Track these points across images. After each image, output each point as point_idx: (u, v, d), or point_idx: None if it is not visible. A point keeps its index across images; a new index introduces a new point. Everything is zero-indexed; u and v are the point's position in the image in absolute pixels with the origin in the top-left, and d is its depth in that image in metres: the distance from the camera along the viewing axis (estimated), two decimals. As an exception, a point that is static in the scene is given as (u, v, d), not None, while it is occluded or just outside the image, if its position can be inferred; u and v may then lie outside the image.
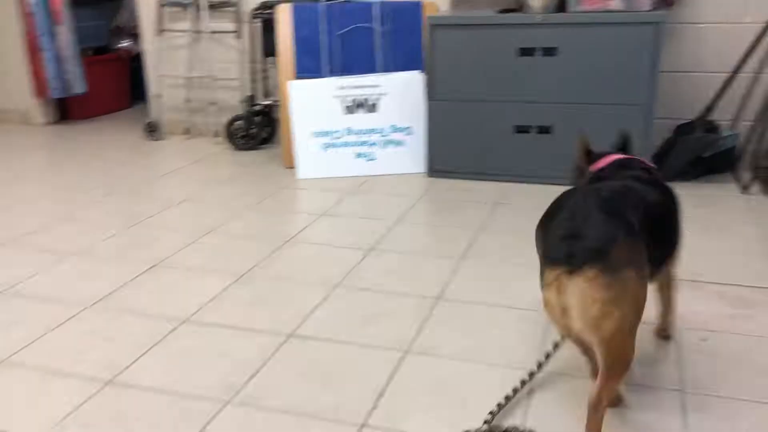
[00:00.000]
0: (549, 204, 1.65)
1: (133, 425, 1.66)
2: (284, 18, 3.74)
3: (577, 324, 1.42)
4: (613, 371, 1.43)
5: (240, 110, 4.24)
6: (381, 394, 1.75)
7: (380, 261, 2.57)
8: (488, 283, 2.36)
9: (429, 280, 2.40)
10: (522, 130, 3.38)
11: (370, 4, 3.72)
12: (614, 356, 1.42)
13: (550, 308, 1.47)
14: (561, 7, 3.27)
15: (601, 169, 1.79)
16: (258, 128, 4.19)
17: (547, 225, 1.57)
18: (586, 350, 1.68)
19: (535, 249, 1.63)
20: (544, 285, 1.47)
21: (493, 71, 3.34)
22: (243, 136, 4.19)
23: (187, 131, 4.49)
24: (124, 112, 5.43)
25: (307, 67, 3.75)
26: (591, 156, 1.86)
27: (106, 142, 4.48)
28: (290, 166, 3.79)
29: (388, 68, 3.73)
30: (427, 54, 3.41)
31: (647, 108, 3.17)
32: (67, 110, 5.15)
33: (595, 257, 1.38)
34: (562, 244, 1.44)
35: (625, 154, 1.86)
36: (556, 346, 1.90)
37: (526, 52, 3.27)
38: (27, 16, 4.60)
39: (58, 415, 1.70)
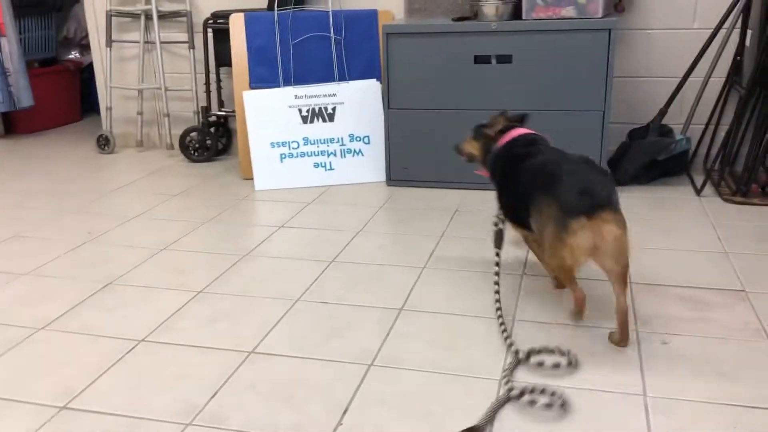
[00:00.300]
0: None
1: (88, 453, 1.60)
2: (237, 28, 3.69)
3: (608, 256, 1.85)
4: (625, 281, 1.91)
5: (194, 121, 4.16)
6: (345, 410, 1.71)
7: (341, 273, 2.54)
8: (451, 292, 2.35)
9: (391, 291, 2.38)
10: (480, 137, 3.39)
11: (325, 13, 3.70)
12: (626, 272, 1.91)
13: (576, 250, 1.84)
14: (516, 15, 3.30)
15: (513, 143, 2.22)
16: (213, 139, 4.12)
17: (551, 188, 1.91)
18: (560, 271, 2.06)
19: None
20: (569, 232, 1.83)
21: (449, 79, 3.35)
22: (198, 148, 4.11)
23: (140, 143, 4.39)
24: (75, 125, 5.29)
25: (262, 77, 3.71)
26: (502, 131, 2.29)
27: (56, 157, 4.35)
28: (247, 177, 3.73)
29: (344, 77, 3.71)
30: (384, 62, 3.40)
31: (602, 113, 3.22)
32: (12, 124, 4.99)
33: (616, 205, 1.86)
34: (585, 198, 1.83)
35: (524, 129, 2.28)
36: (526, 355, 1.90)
37: (481, 59, 3.29)
38: (-31, 28, 4.45)
39: (9, 445, 1.63)
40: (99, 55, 4.36)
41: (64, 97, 5.28)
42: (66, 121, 5.29)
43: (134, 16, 4.19)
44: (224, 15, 3.80)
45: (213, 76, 4.06)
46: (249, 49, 3.69)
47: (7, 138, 4.88)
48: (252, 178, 3.65)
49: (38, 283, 2.51)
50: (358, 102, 3.69)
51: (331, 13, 3.68)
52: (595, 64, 3.17)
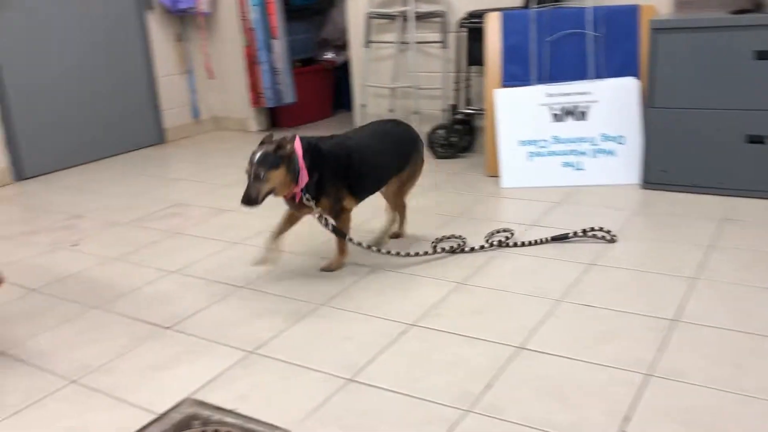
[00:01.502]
0: None
1: (378, 424, 1.72)
2: (493, 26, 3.74)
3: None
4: None
5: (441, 119, 4.30)
6: (627, 419, 1.67)
7: (602, 276, 2.48)
8: (731, 307, 2.19)
9: (660, 299, 2.27)
10: (756, 140, 3.10)
11: (582, 10, 3.61)
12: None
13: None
14: (807, 5, 2.97)
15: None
16: (458, 137, 4.22)
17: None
18: None
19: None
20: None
21: (723, 77, 3.11)
22: (443, 145, 4.24)
23: (388, 139, 4.63)
24: (327, 121, 5.72)
25: (515, 75, 3.72)
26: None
27: (314, 149, 4.73)
28: (493, 174, 3.77)
29: (600, 75, 3.60)
30: (648, 60, 3.25)
31: None
32: (276, 118, 5.52)
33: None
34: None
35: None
36: None
37: (764, 55, 3.01)
38: (248, 32, 5.00)
39: (309, 406, 1.80)
40: (356, 55, 4.67)
41: (320, 94, 5.73)
42: (320, 117, 5.74)
43: (392, 17, 4.42)
44: (480, 14, 3.87)
45: (463, 75, 4.15)
46: (503, 47, 3.72)
47: (271, 131, 5.40)
48: (497, 176, 3.69)
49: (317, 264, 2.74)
50: (613, 101, 3.56)
51: (589, 9, 3.59)
52: None
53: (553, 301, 2.30)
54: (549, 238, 2.82)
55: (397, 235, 2.97)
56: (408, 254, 2.72)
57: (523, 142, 3.65)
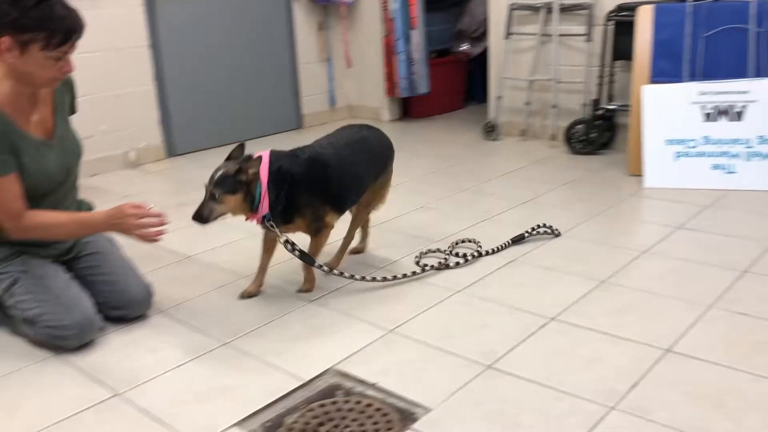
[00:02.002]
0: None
1: (518, 412, 1.72)
2: (645, 19, 3.59)
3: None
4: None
5: (581, 114, 4.19)
6: (791, 433, 1.57)
7: (758, 285, 2.33)
8: None
9: (826, 313, 2.11)
10: None
11: (746, 4, 3.40)
12: None
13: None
14: None
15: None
16: (598, 133, 4.10)
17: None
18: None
19: None
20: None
21: None
22: (581, 140, 4.13)
23: (522, 133, 4.57)
24: (458, 113, 5.71)
25: (665, 71, 3.56)
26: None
27: (445, 140, 4.75)
28: (635, 173, 3.63)
29: (761, 73, 3.38)
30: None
31: None
32: (408, 108, 5.58)
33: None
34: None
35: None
36: None
37: None
38: (388, 22, 5.08)
39: (449, 388, 1.83)
40: (495, 47, 4.64)
41: (453, 85, 5.73)
42: (451, 108, 5.74)
43: (535, 9, 4.35)
44: (630, 7, 3.73)
45: (607, 70, 4.03)
46: (654, 41, 3.57)
47: (403, 121, 5.48)
48: (640, 175, 3.55)
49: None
50: (775, 101, 3.33)
51: (753, 3, 3.37)
52: None
53: (703, 306, 2.20)
54: (509, 242, 2.77)
55: (358, 251, 2.78)
56: (374, 278, 2.47)
57: (670, 141, 3.49)
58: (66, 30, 1.94)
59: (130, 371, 1.98)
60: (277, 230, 2.27)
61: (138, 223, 2.06)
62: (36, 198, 2.08)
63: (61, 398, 1.86)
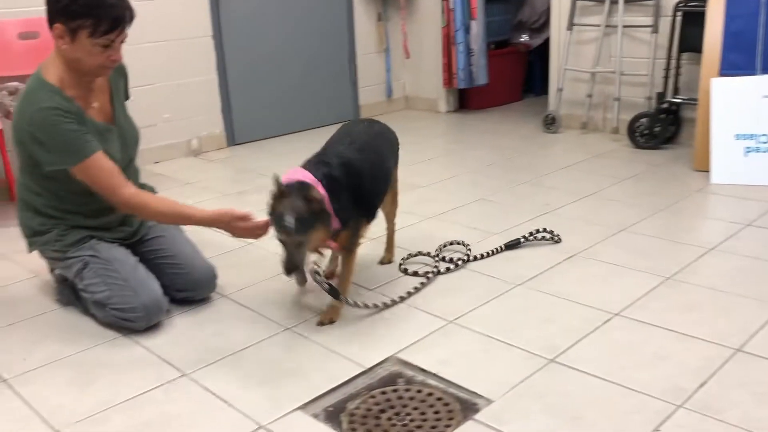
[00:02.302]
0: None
1: (582, 407, 1.70)
2: (716, 10, 3.48)
3: None
4: None
5: (645, 107, 4.09)
6: None
7: (834, 286, 2.25)
8: None
9: None
10: None
11: (827, -7, 3.26)
12: None
13: None
14: None
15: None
16: (663, 127, 3.99)
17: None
18: None
19: None
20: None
21: None
22: (645, 134, 4.03)
23: (583, 125, 4.49)
24: (515, 105, 5.64)
25: (736, 64, 3.45)
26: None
27: (503, 132, 4.70)
28: (701, 168, 3.53)
29: (841, 66, 3.24)
30: None
31: None
32: (465, 100, 5.54)
33: None
34: None
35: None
36: None
37: None
38: (448, 12, 5.05)
39: (510, 380, 1.82)
40: (557, 38, 4.56)
41: (511, 77, 5.67)
42: (509, 100, 5.67)
43: (599, 0, 4.26)
44: (701, -3, 3.62)
45: (673, 62, 3.92)
46: (725, 32, 3.45)
47: (459, 112, 5.44)
48: (706, 170, 3.44)
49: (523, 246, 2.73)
50: None
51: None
52: None
53: (776, 306, 2.13)
54: (503, 247, 2.64)
55: (388, 261, 2.61)
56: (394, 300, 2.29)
57: (740, 136, 3.38)
58: (113, 18, 1.99)
59: (196, 352, 2.04)
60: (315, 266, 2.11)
61: (246, 227, 2.14)
62: None
63: (131, 377, 1.93)
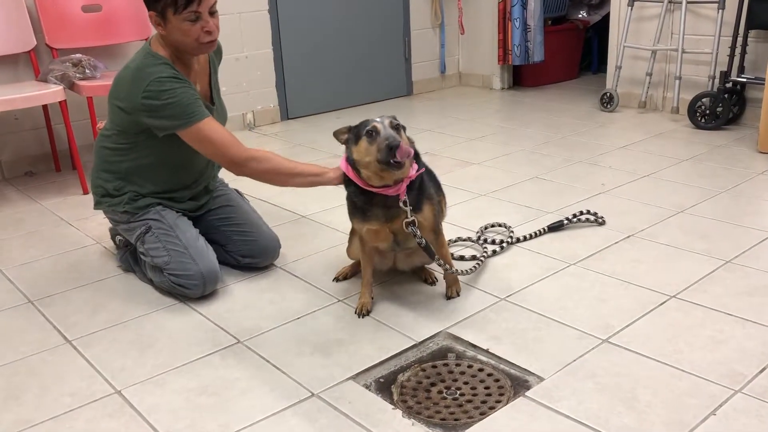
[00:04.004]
0: None
1: (636, 387, 1.68)
2: (788, -15, 3.33)
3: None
4: None
5: (707, 86, 3.96)
6: None
7: None
8: None
9: None
10: None
11: None
12: None
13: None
14: None
15: None
16: (725, 107, 3.87)
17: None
18: None
19: None
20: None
21: None
22: (707, 114, 3.91)
23: (642, 104, 4.37)
24: (571, 82, 5.54)
25: (808, 41, 3.30)
26: None
27: (559, 110, 4.62)
28: (766, 150, 3.41)
29: None
30: None
31: None
32: (519, 77, 5.46)
33: None
34: None
35: None
36: None
37: None
38: (505, -13, 4.97)
39: (563, 359, 1.81)
40: (617, 14, 4.44)
41: (568, 54, 5.55)
42: (564, 78, 5.57)
43: (663, -26, 4.13)
44: (772, -29, 3.47)
45: (740, 40, 3.78)
46: (797, 9, 3.31)
47: (514, 90, 5.36)
48: (771, 153, 3.33)
49: (568, 227, 2.70)
50: None
51: None
52: None
53: (842, 294, 2.06)
54: (545, 229, 2.61)
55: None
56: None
57: (809, 117, 3.25)
58: None
59: (252, 320, 2.09)
60: (409, 209, 2.00)
61: None
62: (190, 157, 2.24)
63: (189, 342, 1.99)
